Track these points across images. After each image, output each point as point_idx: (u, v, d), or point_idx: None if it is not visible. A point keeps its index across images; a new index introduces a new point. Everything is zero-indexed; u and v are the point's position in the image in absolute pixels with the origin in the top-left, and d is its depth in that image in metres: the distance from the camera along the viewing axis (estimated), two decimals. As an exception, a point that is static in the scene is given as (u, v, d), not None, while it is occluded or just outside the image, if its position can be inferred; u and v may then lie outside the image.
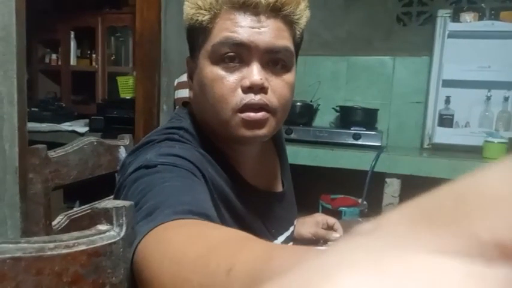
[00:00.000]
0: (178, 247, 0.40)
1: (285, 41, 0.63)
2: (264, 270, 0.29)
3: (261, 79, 0.61)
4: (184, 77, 1.68)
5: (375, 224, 0.11)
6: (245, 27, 0.61)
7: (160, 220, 0.45)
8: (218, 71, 0.62)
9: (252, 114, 0.62)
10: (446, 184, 0.11)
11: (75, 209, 0.93)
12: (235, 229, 0.43)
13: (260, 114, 0.62)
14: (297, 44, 0.67)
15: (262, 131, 0.64)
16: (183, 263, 0.38)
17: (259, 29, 0.61)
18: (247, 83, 0.61)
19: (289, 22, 0.64)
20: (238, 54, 0.62)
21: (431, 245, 0.10)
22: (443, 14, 1.96)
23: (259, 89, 0.62)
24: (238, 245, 0.36)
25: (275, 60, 0.63)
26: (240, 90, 0.62)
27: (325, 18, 2.22)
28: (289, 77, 0.65)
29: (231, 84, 0.62)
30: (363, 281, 0.09)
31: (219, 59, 0.62)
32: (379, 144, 1.89)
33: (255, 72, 0.61)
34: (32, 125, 2.11)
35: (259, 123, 0.63)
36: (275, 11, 0.62)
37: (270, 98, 0.63)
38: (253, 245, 0.36)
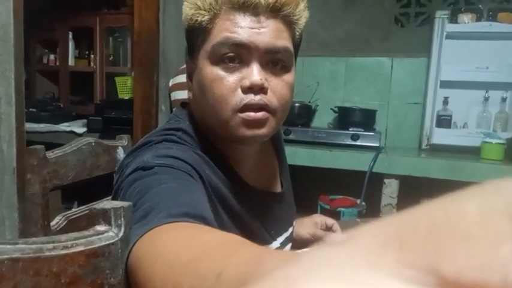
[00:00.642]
0: (171, 250, 0.40)
1: (284, 42, 0.63)
2: (253, 274, 0.29)
3: (261, 79, 0.61)
4: (179, 78, 1.67)
5: (348, 236, 0.11)
6: (245, 28, 0.61)
7: (155, 223, 0.45)
8: (218, 71, 0.62)
9: (252, 114, 0.62)
10: (428, 204, 0.11)
11: (73, 210, 0.93)
12: (228, 233, 0.43)
13: (260, 114, 0.62)
14: (297, 45, 0.68)
15: (262, 131, 0.64)
16: (175, 267, 0.38)
17: (258, 29, 0.61)
18: (247, 83, 0.61)
19: (289, 23, 0.64)
20: (238, 54, 0.62)
21: (397, 271, 0.10)
22: (441, 15, 1.96)
23: (259, 89, 0.62)
24: (230, 249, 0.36)
25: (275, 61, 0.63)
26: (239, 91, 0.62)
27: (324, 19, 2.22)
28: (288, 77, 0.65)
29: (231, 84, 0.62)
30: None
31: (218, 60, 0.62)
32: (378, 145, 1.89)
33: (255, 73, 0.61)
34: (29, 126, 2.10)
35: (259, 123, 0.63)
36: (275, 12, 0.62)
37: (270, 98, 0.63)
38: (245, 249, 0.36)
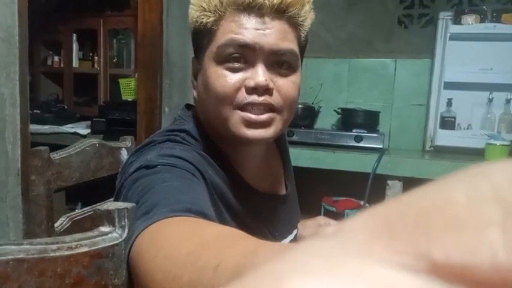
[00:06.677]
0: (172, 243, 0.41)
1: (289, 44, 0.63)
2: (249, 266, 0.30)
3: (266, 80, 0.61)
4: None
5: (338, 228, 0.11)
6: (250, 29, 0.61)
7: (157, 217, 0.46)
8: (222, 70, 0.62)
9: (253, 116, 0.62)
10: (415, 191, 0.11)
11: (77, 211, 0.93)
12: (228, 226, 0.43)
13: (264, 117, 0.62)
14: (302, 47, 0.67)
15: (268, 132, 0.63)
16: (175, 259, 0.38)
17: (263, 30, 0.61)
18: (251, 83, 0.61)
19: (294, 24, 0.64)
20: (243, 55, 0.62)
21: (387, 258, 0.10)
22: (444, 16, 1.96)
23: (264, 90, 0.62)
24: (228, 242, 0.37)
25: (280, 62, 0.63)
26: (243, 90, 0.62)
27: (327, 20, 2.22)
28: (294, 78, 0.65)
29: (235, 83, 0.62)
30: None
31: (223, 60, 0.62)
32: (381, 146, 1.89)
33: (260, 73, 0.61)
34: (34, 127, 2.11)
35: (263, 124, 0.63)
36: (280, 13, 0.62)
37: (275, 99, 0.63)
38: (242, 241, 0.37)
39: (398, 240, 0.10)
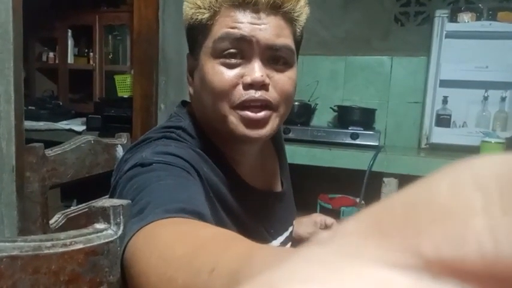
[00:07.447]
0: (166, 245, 0.41)
1: (285, 39, 0.63)
2: (243, 270, 0.30)
3: (262, 76, 0.61)
4: None
5: (332, 233, 0.11)
6: (245, 23, 0.61)
7: (151, 218, 0.46)
8: (219, 67, 0.62)
9: (251, 114, 0.62)
10: (403, 190, 0.11)
11: (72, 208, 0.92)
12: (223, 228, 0.43)
13: (261, 114, 0.62)
14: (298, 42, 0.68)
15: (264, 131, 0.63)
16: (170, 261, 0.38)
17: (259, 25, 0.61)
18: (248, 79, 0.61)
19: (290, 19, 0.64)
20: (239, 50, 0.62)
21: (379, 258, 0.10)
22: (440, 14, 1.96)
23: (260, 86, 0.62)
24: (223, 245, 0.37)
25: (276, 58, 0.63)
26: (240, 87, 0.62)
27: (323, 18, 2.22)
28: (290, 73, 0.65)
29: (232, 79, 0.62)
30: None
31: (220, 55, 0.62)
32: (377, 143, 1.89)
33: (256, 69, 0.61)
34: (29, 124, 2.10)
35: (260, 123, 0.63)
36: (275, 8, 0.62)
37: (271, 94, 0.63)
38: (238, 244, 0.36)
39: (389, 238, 0.10)
